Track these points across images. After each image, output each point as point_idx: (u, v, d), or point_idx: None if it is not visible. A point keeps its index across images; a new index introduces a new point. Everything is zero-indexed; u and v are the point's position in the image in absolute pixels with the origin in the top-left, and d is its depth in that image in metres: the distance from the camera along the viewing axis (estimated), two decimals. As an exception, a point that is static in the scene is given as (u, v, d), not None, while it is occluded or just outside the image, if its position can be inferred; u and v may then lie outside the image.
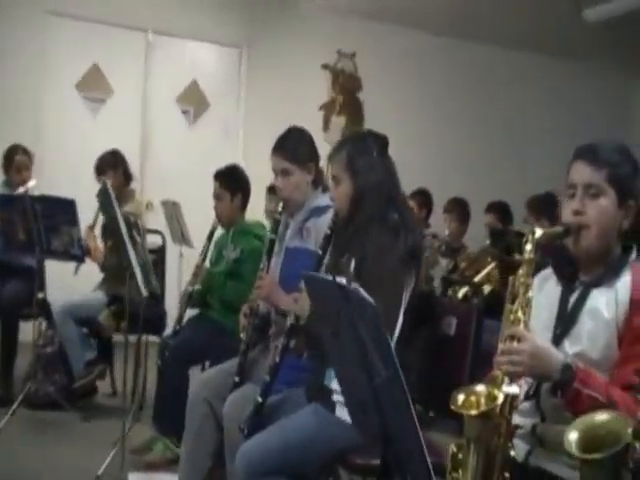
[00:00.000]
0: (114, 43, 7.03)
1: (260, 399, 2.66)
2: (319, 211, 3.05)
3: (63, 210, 4.41)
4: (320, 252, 2.66)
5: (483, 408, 1.71)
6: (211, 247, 4.35)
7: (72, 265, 4.85)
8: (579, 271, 1.99)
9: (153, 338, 4.87)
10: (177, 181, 6.94)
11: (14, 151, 5.19)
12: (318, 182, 3.16)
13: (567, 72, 8.78)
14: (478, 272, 5.23)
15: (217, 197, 4.30)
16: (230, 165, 4.47)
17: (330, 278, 1.40)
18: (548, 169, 8.19)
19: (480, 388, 1.75)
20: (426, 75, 8.25)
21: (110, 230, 3.91)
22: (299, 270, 2.95)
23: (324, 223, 2.97)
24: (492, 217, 5.59)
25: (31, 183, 5.12)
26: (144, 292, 3.70)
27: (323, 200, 3.09)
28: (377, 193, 2.59)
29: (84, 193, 4.60)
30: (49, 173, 5.46)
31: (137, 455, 4.10)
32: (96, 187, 4.97)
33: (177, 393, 4.04)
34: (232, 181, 4.30)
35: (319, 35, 7.75)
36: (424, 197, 6.03)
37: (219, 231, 4.43)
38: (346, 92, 7.96)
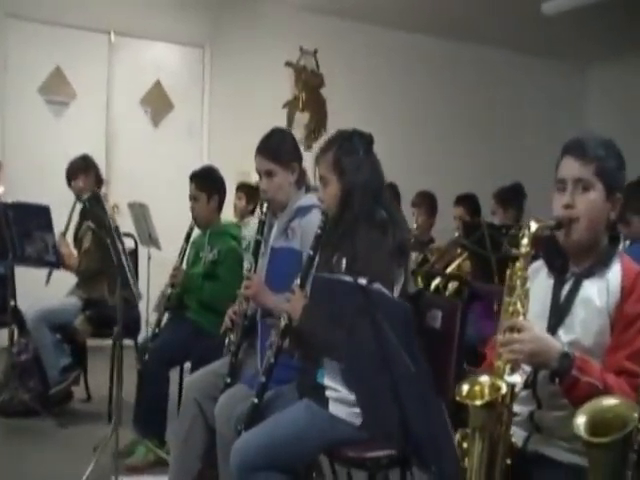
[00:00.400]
0: (76, 45, 6.98)
1: (256, 400, 2.69)
2: (303, 211, 3.09)
3: (37, 216, 4.41)
4: (311, 252, 2.69)
5: (487, 398, 1.78)
6: (188, 248, 4.34)
7: (41, 272, 4.83)
8: (569, 263, 2.07)
9: (128, 342, 4.85)
10: (142, 183, 6.93)
11: None
12: (301, 182, 3.20)
13: (528, 66, 8.93)
14: (448, 264, 5.31)
15: (193, 198, 4.29)
16: (206, 166, 4.48)
17: (349, 279, 1.44)
18: (512, 162, 8.38)
19: (484, 378, 1.81)
20: (388, 70, 8.33)
21: (98, 237, 3.90)
22: (284, 270, 3.02)
23: (309, 222, 3.03)
24: (461, 210, 5.64)
25: None
26: (139, 296, 3.71)
27: (307, 200, 3.13)
28: (364, 192, 2.63)
29: (49, 198, 4.58)
30: (12, 179, 5.41)
31: (119, 459, 4.08)
32: (62, 192, 5.00)
33: (159, 395, 4.09)
34: (208, 182, 4.30)
35: (281, 32, 7.78)
36: (391, 191, 6.06)
37: (195, 232, 4.42)
38: (309, 89, 8.01)
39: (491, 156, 8.71)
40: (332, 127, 7.92)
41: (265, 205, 3.16)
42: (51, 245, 4.48)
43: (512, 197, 5.33)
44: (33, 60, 6.83)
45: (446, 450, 1.37)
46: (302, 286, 2.66)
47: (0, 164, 5.26)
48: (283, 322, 2.65)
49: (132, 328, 4.80)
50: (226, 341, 3.39)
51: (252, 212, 6.69)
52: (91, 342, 5.06)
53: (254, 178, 6.84)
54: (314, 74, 8.01)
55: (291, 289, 2.67)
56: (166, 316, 4.36)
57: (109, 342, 5.00)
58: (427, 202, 5.88)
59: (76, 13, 6.86)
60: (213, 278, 4.21)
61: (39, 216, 4.41)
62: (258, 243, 3.16)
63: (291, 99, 7.97)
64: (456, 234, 5.52)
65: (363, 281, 1.42)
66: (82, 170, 4.97)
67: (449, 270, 5.09)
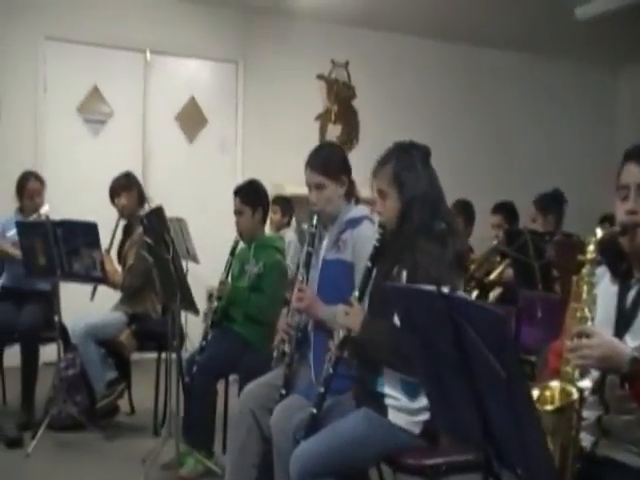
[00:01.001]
0: (113, 64, 7.09)
1: (315, 410, 2.73)
2: (354, 222, 3.14)
3: (85, 233, 4.47)
4: (369, 264, 2.71)
5: (558, 404, 1.80)
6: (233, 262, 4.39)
7: (84, 287, 4.88)
8: (633, 268, 2.09)
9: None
10: (178, 198, 6.97)
11: (26, 178, 5.21)
12: (351, 194, 3.24)
13: (559, 71, 8.89)
14: (489, 273, 5.31)
15: (238, 212, 4.32)
16: (249, 180, 4.50)
17: (430, 288, 1.47)
18: (548, 166, 8.35)
19: (554, 384, 1.83)
20: (420, 80, 8.34)
21: (152, 251, 3.96)
22: (336, 281, 3.07)
23: (360, 234, 3.08)
24: (499, 217, 5.59)
25: (44, 209, 5.14)
26: (199, 310, 3.78)
27: (357, 212, 3.18)
28: (423, 205, 2.65)
29: (89, 215, 4.64)
30: (52, 197, 5.49)
31: (168, 471, 4.13)
32: (102, 209, 5.06)
33: (207, 407, 4.12)
34: (252, 196, 4.33)
35: (312, 45, 7.83)
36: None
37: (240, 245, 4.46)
38: (341, 101, 8.04)
39: (524, 162, 8.69)
40: (364, 138, 7.97)
41: (315, 217, 3.19)
42: (98, 261, 4.54)
43: (552, 203, 5.29)
44: (72, 80, 6.96)
45: (536, 453, 1.39)
46: (360, 298, 2.70)
47: (43, 182, 5.33)
48: (341, 334, 2.67)
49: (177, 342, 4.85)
50: (274, 353, 3.44)
51: (288, 224, 6.75)
52: (133, 356, 5.11)
53: (288, 190, 6.94)
54: (346, 86, 8.04)
55: (348, 301, 2.69)
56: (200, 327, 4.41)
57: (151, 356, 5.07)
58: (464, 211, 5.82)
59: (113, 33, 6.99)
60: (257, 291, 4.24)
61: (87, 233, 4.46)
62: (309, 255, 3.19)
63: (323, 112, 8.00)
64: (494, 242, 5.51)
65: (445, 289, 1.45)
66: (125, 188, 5.03)
67: (492, 278, 5.09)
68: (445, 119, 8.28)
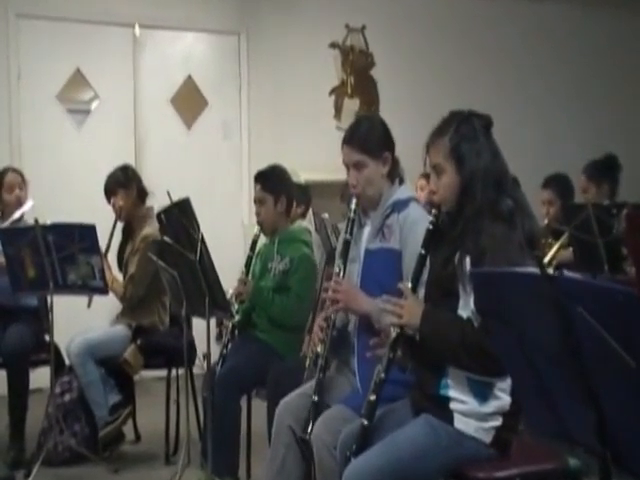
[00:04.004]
0: (97, 43, 7.05)
1: (366, 421, 2.70)
2: (400, 205, 3.13)
3: (81, 238, 4.41)
4: (423, 251, 2.69)
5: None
6: (254, 259, 4.38)
7: (78, 300, 4.83)
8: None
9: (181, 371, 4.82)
10: (177, 190, 6.94)
11: (4, 172, 5.15)
12: (394, 173, 3.22)
13: (593, 19, 8.86)
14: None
15: (259, 201, 4.33)
16: (272, 165, 4.49)
17: (530, 271, 1.43)
18: (599, 131, 8.29)
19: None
20: (447, 41, 8.27)
21: (174, 254, 3.95)
22: (382, 273, 3.06)
23: (407, 217, 3.08)
24: (550, 193, 5.50)
25: (27, 206, 5.08)
26: (236, 315, 3.77)
27: (403, 193, 3.17)
28: (486, 180, 2.62)
29: (76, 217, 4.64)
30: (33, 199, 5.42)
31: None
32: (91, 209, 5.03)
33: (231, 427, 4.10)
34: (275, 183, 4.33)
35: (323, 10, 7.77)
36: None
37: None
38: (358, 71, 7.97)
39: (573, 127, 8.65)
40: (385, 111, 7.87)
41: (354, 201, 3.18)
42: (98, 269, 4.48)
43: (606, 170, 5.24)
44: (50, 63, 6.92)
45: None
46: (414, 289, 2.68)
47: (24, 177, 5.24)
48: (394, 332, 2.64)
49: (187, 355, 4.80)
50: (307, 361, 3.42)
51: (303, 215, 6.72)
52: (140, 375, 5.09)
53: (302, 177, 6.91)
54: (363, 54, 7.97)
55: (397, 291, 2.66)
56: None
57: (155, 374, 5.02)
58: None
59: (95, 7, 6.95)
60: (284, 290, 4.24)
61: (83, 237, 4.41)
62: (347, 244, 3.18)
63: (338, 84, 7.95)
64: (545, 221, 5.45)
65: (550, 270, 1.42)
66: (122, 185, 4.99)
67: (548, 258, 5.00)
68: (474, 86, 8.14)
